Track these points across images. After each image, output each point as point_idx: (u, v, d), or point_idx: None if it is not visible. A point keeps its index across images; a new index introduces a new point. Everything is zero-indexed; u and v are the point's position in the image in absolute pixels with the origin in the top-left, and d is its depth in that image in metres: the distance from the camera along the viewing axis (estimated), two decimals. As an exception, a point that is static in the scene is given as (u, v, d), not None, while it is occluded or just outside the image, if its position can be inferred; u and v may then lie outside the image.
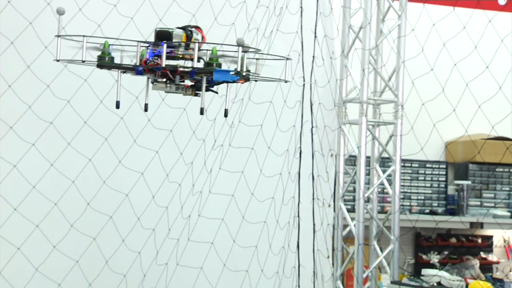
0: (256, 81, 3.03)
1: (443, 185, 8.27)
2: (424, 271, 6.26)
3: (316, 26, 6.04)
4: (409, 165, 8.09)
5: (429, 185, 8.24)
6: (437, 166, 8.27)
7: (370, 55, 6.25)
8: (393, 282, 6.10)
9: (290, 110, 5.95)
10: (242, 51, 2.71)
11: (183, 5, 5.72)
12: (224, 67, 2.82)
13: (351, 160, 7.04)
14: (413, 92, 6.05)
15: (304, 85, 6.03)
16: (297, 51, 5.96)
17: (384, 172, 6.49)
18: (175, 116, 5.58)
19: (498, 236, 8.60)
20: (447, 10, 6.28)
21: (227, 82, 2.79)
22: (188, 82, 2.92)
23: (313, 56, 6.01)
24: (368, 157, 6.35)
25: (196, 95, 2.94)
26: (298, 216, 5.95)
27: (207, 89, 2.78)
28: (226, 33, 5.77)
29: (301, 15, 6.01)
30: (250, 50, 2.87)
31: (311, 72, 6.03)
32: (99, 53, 2.87)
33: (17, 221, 5.26)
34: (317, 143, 6.08)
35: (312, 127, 6.03)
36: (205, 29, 5.75)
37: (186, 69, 2.82)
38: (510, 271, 8.44)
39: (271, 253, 5.85)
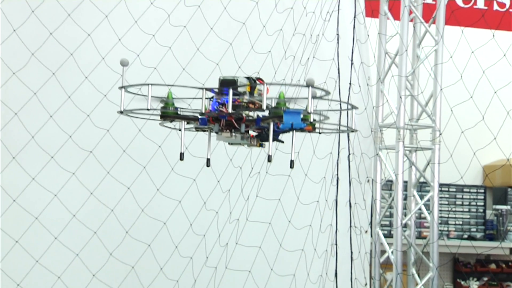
0: (320, 133, 2.92)
1: (481, 210, 8.19)
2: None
3: (352, 53, 6.03)
4: (447, 189, 8.04)
5: (467, 209, 8.16)
6: (475, 190, 8.20)
7: (407, 80, 6.23)
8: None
9: (327, 136, 5.94)
10: (312, 96, 2.55)
11: (220, 34, 5.76)
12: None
13: (388, 185, 7.02)
14: (448, 116, 6.00)
15: (340, 112, 6.01)
16: (334, 78, 5.95)
17: (421, 197, 6.44)
18: (212, 145, 5.58)
19: (539, 262, 8.48)
20: (485, 33, 6.23)
21: (295, 129, 2.68)
22: (252, 132, 2.83)
23: (350, 83, 5.99)
24: (405, 182, 6.31)
25: (260, 145, 2.86)
26: (336, 244, 5.91)
27: (274, 139, 2.66)
28: (263, 60, 5.80)
29: (338, 42, 6.01)
30: (318, 93, 2.72)
31: (348, 99, 6.02)
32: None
33: (58, 250, 5.30)
34: (354, 170, 6.05)
35: (349, 154, 6.01)
36: (242, 57, 5.84)
37: (253, 117, 2.72)
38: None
39: (309, 281, 5.81)
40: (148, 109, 2.67)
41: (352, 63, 6.04)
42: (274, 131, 2.63)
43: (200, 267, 5.62)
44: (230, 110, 2.59)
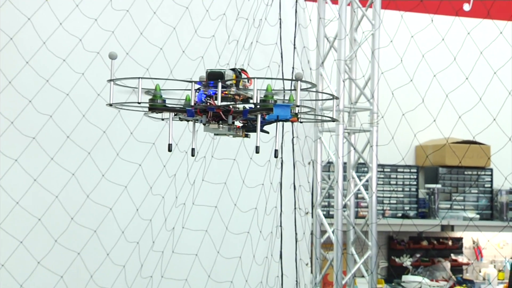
0: (301, 122, 2.99)
1: (414, 189, 8.46)
2: (405, 278, 6.40)
3: (295, 37, 6.10)
4: (381, 169, 8.25)
5: (401, 189, 8.41)
6: (409, 170, 8.46)
7: (346, 64, 6.36)
8: (375, 290, 6.22)
9: (269, 120, 6.01)
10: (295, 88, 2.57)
11: (163, 18, 5.74)
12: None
13: (327, 167, 7.17)
14: (388, 99, 6.16)
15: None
16: (277, 62, 6.02)
17: (359, 177, 6.61)
18: (157, 129, 5.58)
19: (468, 238, 8.82)
20: (424, 18, 6.39)
21: (280, 121, 2.73)
22: (237, 123, 2.86)
23: (293, 67, 6.07)
24: (344, 163, 6.47)
25: (246, 136, 2.90)
26: (281, 225, 6.02)
27: (260, 130, 2.70)
28: (206, 45, 5.82)
29: (280, 27, 6.07)
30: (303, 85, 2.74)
31: (291, 83, 6.08)
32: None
33: (1, 237, 5.21)
34: (298, 153, 6.15)
35: (293, 137, 6.10)
36: (185, 42, 5.83)
37: (240, 109, 2.74)
38: (480, 272, 8.67)
39: (255, 263, 5.90)
40: (139, 103, 2.67)
41: (294, 48, 6.12)
42: (259, 122, 2.67)
43: (147, 251, 5.63)
44: (219, 103, 2.62)
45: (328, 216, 6.89)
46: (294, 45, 6.10)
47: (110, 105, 2.76)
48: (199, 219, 5.79)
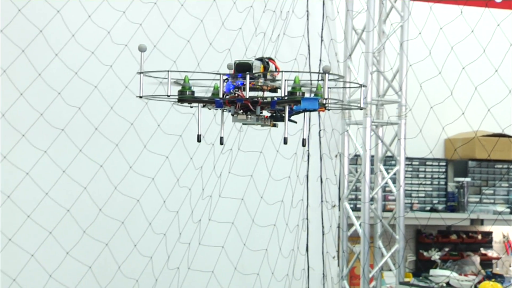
0: (329, 109, 2.98)
1: (443, 182, 8.38)
2: (432, 272, 6.35)
3: (322, 29, 6.08)
4: (410, 163, 8.18)
5: (429, 182, 8.34)
6: (437, 163, 8.39)
7: (374, 57, 6.32)
8: (401, 283, 6.18)
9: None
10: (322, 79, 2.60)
11: (190, 10, 5.75)
12: (306, 95, 2.73)
13: (354, 160, 7.14)
14: (416, 91, 6.11)
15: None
16: (304, 55, 6.01)
17: (387, 170, 6.57)
18: (184, 121, 5.61)
19: (498, 232, 8.72)
20: (453, 9, 6.32)
21: (308, 111, 2.74)
22: (265, 113, 2.87)
23: (320, 60, 6.06)
24: (372, 156, 6.44)
25: (274, 125, 2.90)
26: (307, 218, 6.01)
27: (287, 119, 2.71)
28: (233, 37, 5.82)
29: (307, 19, 6.05)
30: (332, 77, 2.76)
31: (318, 75, 6.06)
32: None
33: (31, 228, 5.28)
34: (325, 146, 6.14)
35: (320, 130, 6.09)
36: (212, 34, 5.84)
37: (268, 100, 2.75)
38: (510, 266, 8.58)
39: (281, 255, 5.91)
40: (168, 96, 2.70)
41: (322, 40, 6.09)
42: (287, 112, 2.69)
43: (174, 243, 5.66)
44: (247, 95, 2.64)
45: (356, 209, 6.85)
46: (322, 37, 6.08)
47: (140, 97, 2.79)
48: (225, 211, 5.81)
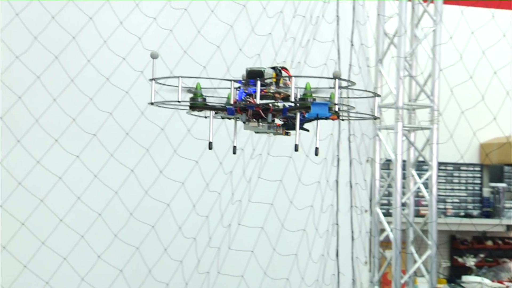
0: (342, 120, 2.97)
1: (478, 188, 8.28)
2: (465, 278, 6.29)
3: (352, 34, 6.07)
4: (443, 168, 8.10)
5: (464, 187, 8.25)
6: (472, 168, 8.29)
7: (406, 61, 6.28)
8: (434, 290, 6.13)
9: (327, 117, 5.99)
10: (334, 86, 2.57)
11: (220, 16, 5.79)
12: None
13: (386, 165, 7.10)
14: (447, 96, 6.06)
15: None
16: (334, 60, 6.00)
17: (419, 175, 6.51)
18: (214, 127, 5.62)
19: (534, 238, 8.60)
20: (485, 13, 6.27)
21: (320, 119, 2.73)
22: (278, 121, 2.88)
23: (350, 65, 6.04)
24: (403, 161, 6.39)
25: (286, 134, 2.90)
26: (337, 223, 6.00)
27: (300, 127, 2.71)
28: (263, 43, 5.85)
29: (338, 24, 6.05)
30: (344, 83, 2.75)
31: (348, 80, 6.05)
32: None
33: (63, 232, 5.37)
34: (354, 151, 6.12)
35: (350, 135, 6.07)
36: (242, 40, 5.88)
37: (279, 107, 2.74)
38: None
39: (311, 261, 5.91)
40: (179, 101, 2.71)
41: (352, 45, 6.08)
42: (299, 120, 2.67)
43: (204, 247, 5.70)
44: (258, 101, 2.63)
45: (388, 214, 6.81)
46: (352, 42, 6.06)
47: (152, 103, 2.81)
48: (255, 216, 5.82)
